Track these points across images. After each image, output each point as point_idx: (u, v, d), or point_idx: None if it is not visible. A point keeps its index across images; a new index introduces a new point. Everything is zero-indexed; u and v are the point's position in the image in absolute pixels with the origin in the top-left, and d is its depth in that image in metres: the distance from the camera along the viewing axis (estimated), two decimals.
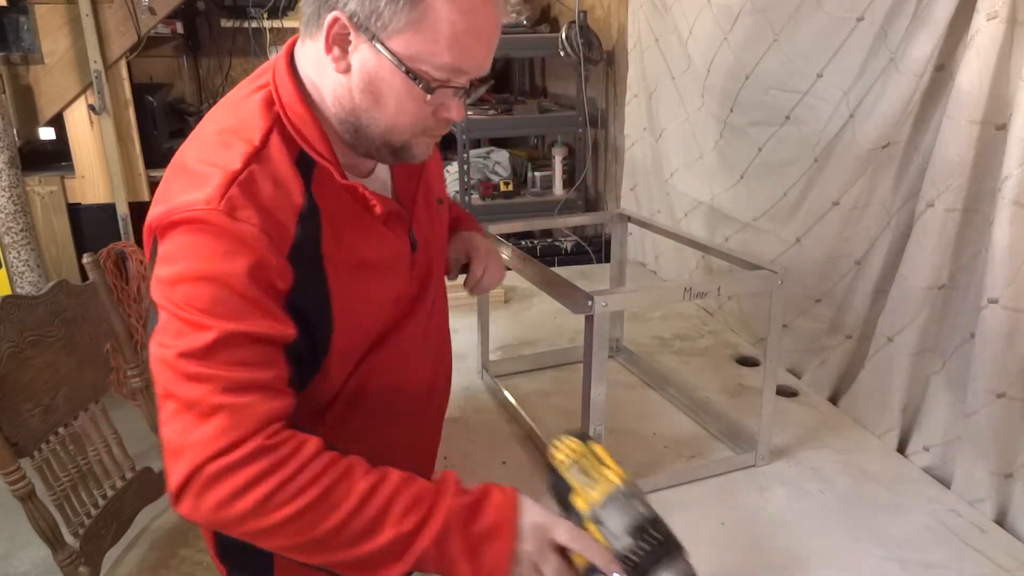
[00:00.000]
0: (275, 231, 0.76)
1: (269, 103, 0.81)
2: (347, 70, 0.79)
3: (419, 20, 0.74)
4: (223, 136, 0.79)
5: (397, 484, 0.74)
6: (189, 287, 0.73)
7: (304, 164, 0.80)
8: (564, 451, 0.76)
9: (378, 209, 0.85)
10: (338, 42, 0.77)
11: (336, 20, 0.75)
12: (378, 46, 0.76)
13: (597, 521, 0.72)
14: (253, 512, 0.71)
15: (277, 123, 0.80)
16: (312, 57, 0.81)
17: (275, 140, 0.79)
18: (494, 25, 0.79)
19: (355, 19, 0.75)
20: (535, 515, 0.75)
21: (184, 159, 0.81)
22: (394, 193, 0.94)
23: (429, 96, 0.78)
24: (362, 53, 0.77)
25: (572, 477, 0.74)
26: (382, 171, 0.94)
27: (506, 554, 0.73)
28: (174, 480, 0.72)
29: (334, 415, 0.90)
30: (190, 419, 0.72)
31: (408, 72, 0.76)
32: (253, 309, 0.74)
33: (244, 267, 0.74)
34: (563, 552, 0.74)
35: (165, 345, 0.73)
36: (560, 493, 0.75)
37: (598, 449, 0.76)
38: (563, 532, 0.74)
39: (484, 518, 0.75)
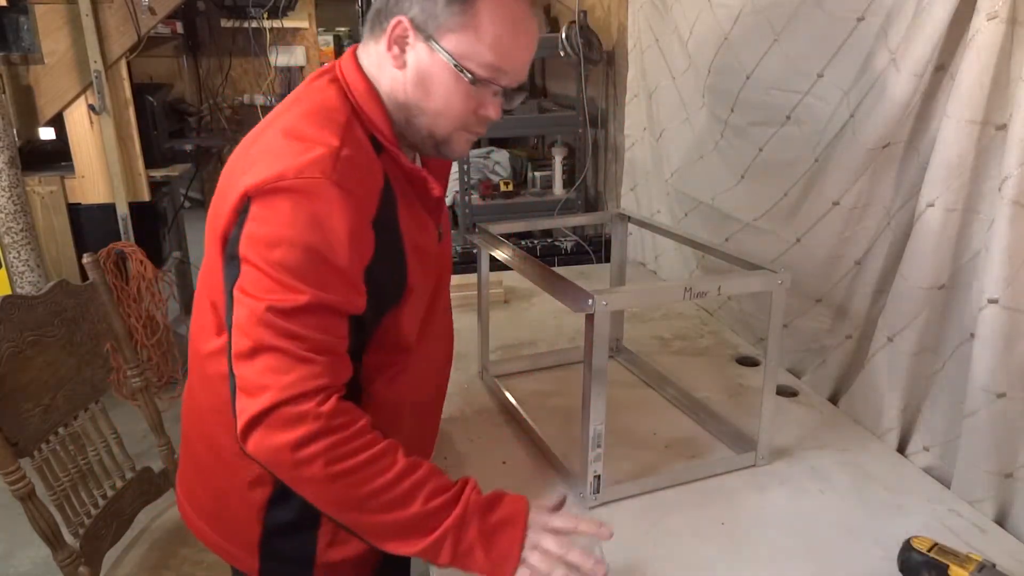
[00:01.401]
0: (367, 203, 0.86)
1: (343, 92, 0.91)
2: (403, 66, 0.90)
3: (468, 23, 0.86)
4: (311, 117, 0.87)
5: (429, 470, 0.86)
6: (288, 251, 0.80)
7: (376, 148, 0.90)
8: (922, 544, 0.93)
9: (436, 192, 0.95)
10: (398, 42, 0.89)
11: (399, 23, 0.88)
12: (433, 44, 0.87)
13: None
14: (314, 459, 0.80)
15: (353, 110, 0.90)
16: (373, 57, 0.92)
17: (355, 124, 0.89)
18: (532, 35, 0.92)
19: (415, 22, 0.87)
20: (541, 512, 0.89)
21: (270, 135, 0.88)
22: None
23: (473, 89, 0.89)
24: (418, 52, 0.89)
25: (942, 559, 0.89)
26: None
27: (517, 541, 0.85)
28: (248, 413, 0.80)
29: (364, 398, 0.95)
30: (275, 363, 0.80)
31: (456, 66, 0.87)
32: (341, 282, 0.83)
33: (345, 236, 0.82)
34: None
35: (255, 297, 0.80)
36: (935, 569, 0.90)
37: (943, 546, 0.93)
38: (558, 519, 0.88)
39: (499, 510, 0.87)
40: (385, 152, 0.91)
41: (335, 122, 0.87)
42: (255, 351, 0.80)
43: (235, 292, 0.82)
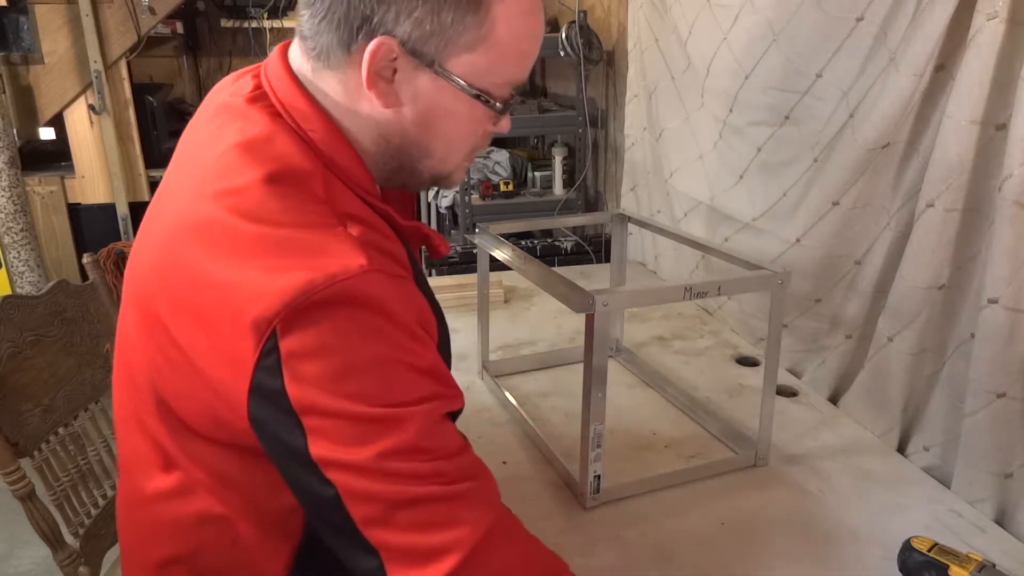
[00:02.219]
0: (406, 272, 0.68)
1: (297, 137, 0.69)
2: (395, 105, 0.69)
3: (486, 35, 0.66)
4: (280, 191, 0.64)
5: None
6: (361, 377, 0.61)
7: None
8: (922, 544, 0.93)
9: (444, 249, 0.79)
10: (383, 74, 0.67)
11: (382, 46, 0.64)
12: (440, 71, 0.67)
13: None
14: None
15: (322, 162, 0.69)
16: (338, 90, 0.69)
17: (335, 185, 0.68)
18: (543, 28, 0.73)
19: (408, 44, 0.65)
20: None
21: (230, 228, 0.63)
22: None
23: (496, 116, 0.72)
24: (416, 81, 0.68)
25: (942, 559, 0.90)
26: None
27: None
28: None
29: None
30: (430, 513, 0.62)
31: (479, 96, 0.68)
32: (434, 380, 0.65)
33: (413, 326, 0.64)
34: None
35: (352, 453, 0.60)
36: (935, 569, 0.90)
37: (943, 546, 0.93)
38: None
39: None
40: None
41: (312, 194, 0.65)
42: (392, 511, 0.61)
43: (316, 461, 0.61)
